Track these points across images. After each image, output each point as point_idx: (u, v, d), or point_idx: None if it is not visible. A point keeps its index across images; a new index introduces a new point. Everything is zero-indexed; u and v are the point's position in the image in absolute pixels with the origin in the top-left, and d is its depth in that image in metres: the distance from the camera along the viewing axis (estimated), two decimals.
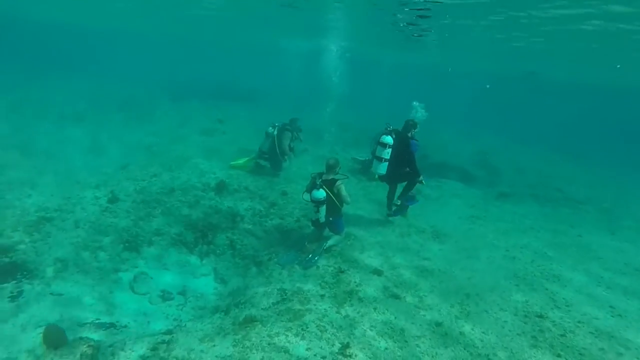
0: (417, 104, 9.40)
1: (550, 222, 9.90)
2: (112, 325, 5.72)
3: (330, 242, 6.81)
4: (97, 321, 5.77)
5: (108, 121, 14.67)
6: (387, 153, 7.22)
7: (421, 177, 7.73)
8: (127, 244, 7.66)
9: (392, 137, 7.24)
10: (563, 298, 6.04)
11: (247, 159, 10.40)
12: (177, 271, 7.58)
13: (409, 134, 7.56)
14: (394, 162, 7.33)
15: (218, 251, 7.70)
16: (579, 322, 5.41)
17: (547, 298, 5.98)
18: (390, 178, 7.70)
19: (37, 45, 39.33)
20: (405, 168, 7.57)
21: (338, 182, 6.62)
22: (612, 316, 5.72)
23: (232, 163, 10.43)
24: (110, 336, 5.29)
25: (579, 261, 7.57)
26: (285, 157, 10.05)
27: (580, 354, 4.75)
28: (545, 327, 5.21)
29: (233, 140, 13.13)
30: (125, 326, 5.80)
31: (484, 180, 13.97)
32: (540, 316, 5.43)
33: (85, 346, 4.59)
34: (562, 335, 5.06)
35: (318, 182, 6.44)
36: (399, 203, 8.20)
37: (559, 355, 4.69)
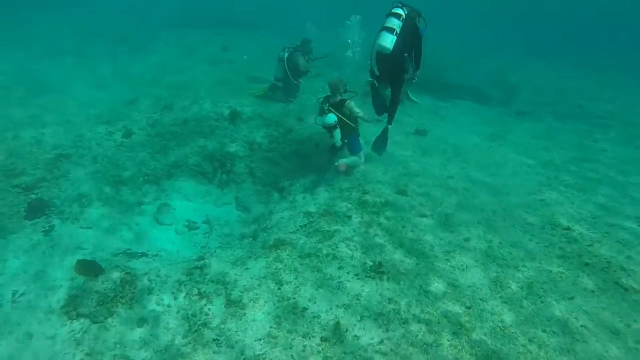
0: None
1: (573, 138, 9.67)
2: (144, 254, 5.88)
3: (346, 159, 6.51)
4: (129, 251, 5.94)
5: (109, 55, 14.07)
6: (398, 25, 5.99)
7: (417, 73, 6.64)
8: (146, 177, 7.69)
9: (404, 11, 6.13)
10: (589, 210, 6.01)
11: (266, 86, 10.04)
12: (199, 201, 7.67)
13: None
14: (401, 40, 6.05)
15: (238, 180, 7.70)
16: (606, 232, 5.40)
17: (573, 211, 5.95)
18: (391, 62, 6.30)
19: None
20: (409, 54, 6.38)
21: (347, 102, 6.35)
22: (638, 226, 5.72)
23: (250, 91, 10.11)
24: (144, 264, 5.45)
25: (603, 175, 7.46)
26: (303, 77, 9.69)
27: (608, 261, 4.78)
28: (572, 238, 5.23)
29: (241, 69, 12.59)
30: (157, 254, 5.96)
31: (501, 99, 13.49)
32: (568, 228, 5.43)
33: (123, 273, 4.72)
34: (589, 246, 5.08)
35: (325, 107, 6.18)
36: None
37: (586, 264, 4.74)
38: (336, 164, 6.41)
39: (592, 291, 4.33)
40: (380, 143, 7.01)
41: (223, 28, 19.03)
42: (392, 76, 6.60)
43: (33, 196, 6.50)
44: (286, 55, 9.31)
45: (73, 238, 5.96)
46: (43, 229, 6.04)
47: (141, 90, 10.47)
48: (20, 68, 11.85)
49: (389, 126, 6.87)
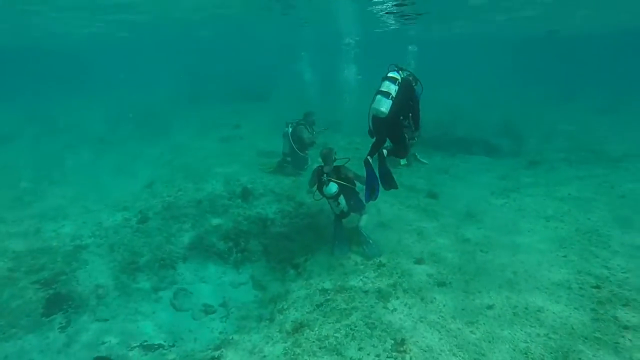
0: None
1: (588, 186, 9.46)
2: (160, 346, 5.75)
3: (362, 224, 6.63)
4: (145, 343, 5.82)
5: (129, 139, 14.88)
6: (394, 90, 5.80)
7: (417, 133, 6.35)
8: (162, 262, 7.69)
9: (400, 75, 5.98)
10: (617, 265, 5.74)
11: (275, 161, 10.39)
12: (215, 283, 7.57)
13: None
14: (397, 104, 5.84)
15: (253, 258, 7.65)
16: None
17: (600, 266, 5.69)
18: (387, 125, 6.06)
19: (39, 70, 40.36)
20: (405, 117, 6.14)
21: (342, 168, 6.59)
22: None
23: (260, 167, 10.46)
24: (160, 357, 5.31)
25: (626, 224, 7.19)
26: (309, 149, 9.99)
27: None
28: (604, 297, 4.95)
29: (251, 144, 13.09)
30: (173, 345, 5.82)
31: (511, 150, 13.50)
32: (597, 287, 5.16)
33: None
34: (625, 305, 4.78)
35: (325, 178, 6.26)
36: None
37: (626, 328, 4.43)
38: (364, 232, 6.53)
39: None
40: (387, 178, 6.40)
41: (237, 103, 20.16)
42: (391, 136, 6.33)
43: (51, 291, 6.54)
44: (290, 130, 9.67)
45: (89, 333, 5.89)
46: (60, 325, 6.00)
47: (158, 173, 10.88)
48: (44, 158, 12.57)
49: (383, 151, 6.24)
